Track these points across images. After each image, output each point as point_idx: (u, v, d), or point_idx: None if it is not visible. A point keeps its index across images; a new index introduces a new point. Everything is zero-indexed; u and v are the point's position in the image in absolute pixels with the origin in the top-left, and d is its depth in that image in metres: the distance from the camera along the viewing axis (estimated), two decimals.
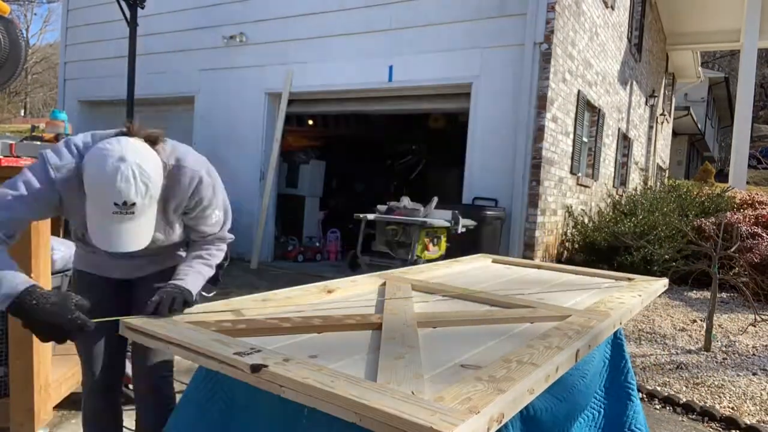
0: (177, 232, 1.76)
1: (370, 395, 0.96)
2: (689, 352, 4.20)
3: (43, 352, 2.13)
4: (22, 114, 29.70)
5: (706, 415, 3.11)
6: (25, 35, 2.72)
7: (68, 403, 2.62)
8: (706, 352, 4.18)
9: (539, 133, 5.89)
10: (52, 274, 2.24)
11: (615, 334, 1.94)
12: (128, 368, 2.77)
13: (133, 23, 5.89)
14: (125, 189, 1.35)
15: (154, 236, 1.58)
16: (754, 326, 4.78)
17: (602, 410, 1.81)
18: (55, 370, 2.29)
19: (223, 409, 1.33)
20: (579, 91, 6.96)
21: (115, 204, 1.36)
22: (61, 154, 1.49)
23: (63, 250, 2.41)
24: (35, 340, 2.08)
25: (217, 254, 1.79)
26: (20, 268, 1.36)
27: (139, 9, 5.88)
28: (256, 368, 1.07)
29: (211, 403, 1.34)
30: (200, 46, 8.15)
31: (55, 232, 2.60)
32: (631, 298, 2.00)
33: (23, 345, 2.08)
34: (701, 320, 5.06)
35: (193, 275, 1.64)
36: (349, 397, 0.95)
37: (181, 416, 1.42)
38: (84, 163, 1.41)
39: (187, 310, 1.48)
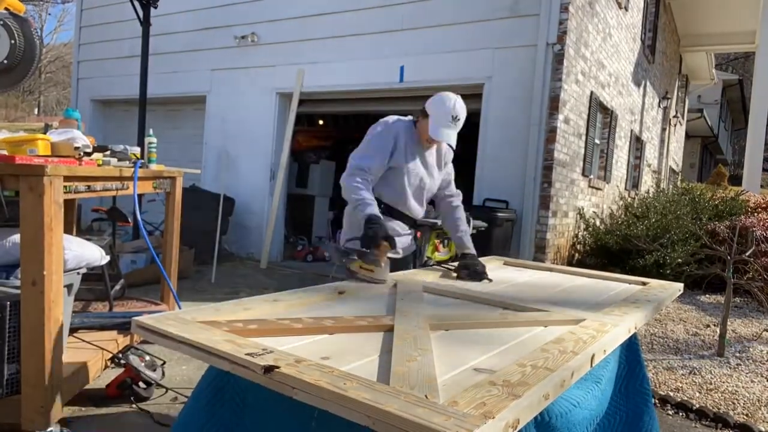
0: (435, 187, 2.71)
1: (384, 398, 0.95)
2: (702, 357, 4.15)
3: (55, 349, 2.14)
4: (36, 113, 30.00)
5: (720, 421, 3.06)
6: (39, 34, 2.74)
7: (79, 400, 2.64)
8: (719, 358, 4.13)
9: (551, 134, 5.85)
10: (65, 272, 2.25)
11: (630, 338, 1.91)
12: (139, 366, 2.78)
13: (146, 23, 5.93)
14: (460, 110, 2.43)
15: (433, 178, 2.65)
16: None
17: (621, 416, 1.79)
18: (67, 367, 2.30)
19: (234, 410, 1.32)
20: (592, 93, 6.91)
21: (452, 117, 2.40)
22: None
23: (75, 249, 2.42)
24: (47, 337, 2.10)
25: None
26: (32, 265, 1.36)
27: (152, 8, 5.91)
28: (268, 369, 1.06)
29: (221, 404, 1.34)
30: (212, 46, 8.18)
31: (68, 230, 2.61)
32: (646, 302, 1.97)
33: (35, 342, 2.09)
34: (714, 325, 5.00)
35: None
36: (362, 400, 0.94)
37: (189, 417, 1.41)
38: (429, 101, 2.48)
39: (199, 309, 1.47)
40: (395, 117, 2.53)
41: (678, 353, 4.22)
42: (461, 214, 2.70)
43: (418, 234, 2.72)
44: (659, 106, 12.00)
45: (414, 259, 2.78)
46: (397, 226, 2.56)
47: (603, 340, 1.43)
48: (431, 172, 2.62)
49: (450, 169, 2.78)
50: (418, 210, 2.64)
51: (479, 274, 2.28)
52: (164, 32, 8.04)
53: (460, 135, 2.50)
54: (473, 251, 2.50)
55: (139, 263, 5.68)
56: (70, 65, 12.33)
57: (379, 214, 2.21)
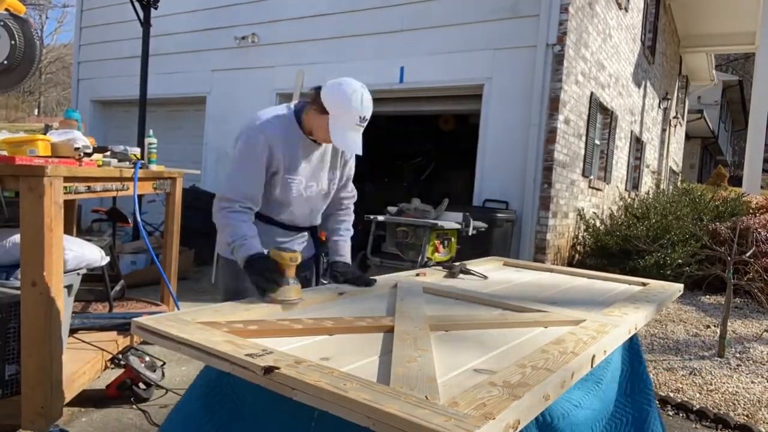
0: (331, 193, 2.20)
1: (384, 399, 0.94)
2: (703, 358, 4.15)
3: (55, 349, 2.14)
4: (36, 113, 30.02)
5: (720, 422, 3.06)
6: (39, 35, 2.74)
7: (79, 401, 2.63)
8: (719, 358, 4.12)
9: (551, 135, 5.85)
10: (65, 272, 2.25)
11: (631, 339, 1.91)
12: (139, 367, 2.78)
13: (146, 24, 5.93)
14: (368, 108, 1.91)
15: (324, 183, 2.13)
16: None
17: (627, 418, 1.79)
18: (67, 368, 2.30)
19: (232, 411, 1.32)
20: (592, 93, 6.91)
21: (360, 118, 1.88)
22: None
23: (75, 249, 2.42)
24: (47, 337, 2.09)
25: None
26: (32, 265, 1.36)
27: (152, 9, 5.91)
28: (268, 370, 1.06)
29: (220, 405, 1.34)
30: (212, 47, 8.19)
31: (68, 231, 2.61)
32: (646, 303, 1.97)
33: (35, 343, 2.09)
34: (715, 326, 4.99)
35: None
36: (363, 401, 0.94)
37: (184, 417, 1.40)
38: (327, 92, 1.88)
39: (199, 310, 1.47)
40: (265, 116, 1.96)
41: (678, 354, 4.22)
42: (348, 217, 2.28)
43: (322, 235, 2.27)
44: (659, 106, 12.00)
45: (316, 265, 2.30)
46: (280, 237, 2.11)
47: (603, 341, 1.42)
48: (322, 177, 2.11)
49: (351, 165, 2.27)
50: (307, 217, 2.17)
51: (360, 279, 1.99)
52: (164, 33, 8.04)
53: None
54: (347, 259, 2.15)
55: (139, 264, 5.68)
56: (71, 66, 12.34)
57: (260, 249, 1.82)
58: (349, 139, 1.89)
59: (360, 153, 1.95)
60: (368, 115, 1.90)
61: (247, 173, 1.94)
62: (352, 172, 2.29)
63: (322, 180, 2.11)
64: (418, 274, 2.30)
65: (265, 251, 1.80)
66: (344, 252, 2.16)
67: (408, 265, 4.46)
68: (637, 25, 9.09)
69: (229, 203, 1.94)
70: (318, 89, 1.92)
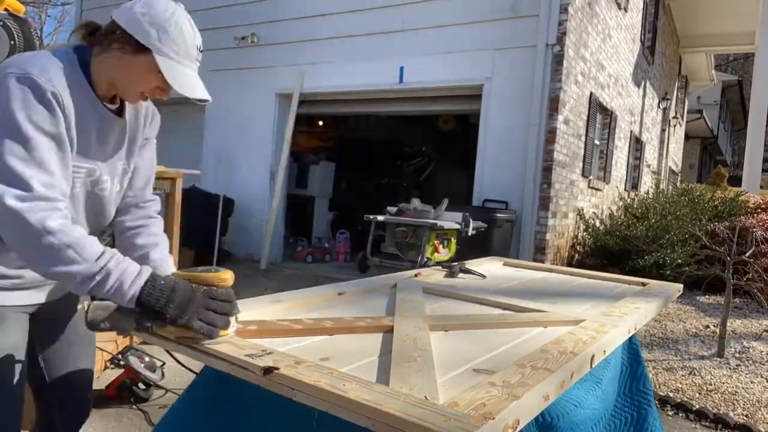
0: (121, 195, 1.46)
1: (383, 399, 0.94)
2: (702, 358, 4.15)
3: None
4: None
5: (720, 422, 3.06)
6: (39, 35, 2.74)
7: None
8: (719, 358, 4.13)
9: (551, 135, 5.85)
10: None
11: (630, 339, 1.91)
12: (139, 367, 2.78)
13: None
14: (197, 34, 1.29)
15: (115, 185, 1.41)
16: None
17: (626, 417, 1.79)
18: None
19: (234, 409, 1.32)
20: (591, 94, 6.91)
21: (198, 49, 1.30)
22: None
23: None
24: None
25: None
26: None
27: None
28: (267, 371, 1.06)
29: (225, 403, 1.33)
30: (211, 47, 8.18)
31: None
32: (646, 303, 1.97)
33: None
34: (714, 326, 5.00)
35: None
36: (362, 401, 0.94)
37: (187, 414, 1.39)
38: (139, 17, 1.22)
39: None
40: (40, 61, 1.19)
41: (678, 354, 4.22)
42: (161, 229, 1.52)
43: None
44: (659, 106, 12.01)
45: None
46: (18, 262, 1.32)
47: (603, 341, 1.42)
48: (117, 167, 1.40)
49: (152, 150, 1.53)
50: (90, 230, 1.41)
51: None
52: None
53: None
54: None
55: None
56: None
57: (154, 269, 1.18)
58: (197, 85, 1.33)
59: (210, 99, 1.37)
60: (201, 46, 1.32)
61: (52, 152, 1.16)
62: (154, 164, 1.55)
63: (116, 172, 1.40)
64: (416, 275, 2.30)
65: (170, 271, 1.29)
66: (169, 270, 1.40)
67: (408, 265, 4.47)
68: (637, 25, 9.10)
69: (47, 203, 1.11)
70: (105, 23, 1.31)
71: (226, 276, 1.19)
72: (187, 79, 1.29)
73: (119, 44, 1.25)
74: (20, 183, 1.09)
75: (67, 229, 1.11)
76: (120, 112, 1.37)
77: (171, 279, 1.16)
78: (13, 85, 1.12)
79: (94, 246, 1.13)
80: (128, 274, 1.13)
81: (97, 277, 1.11)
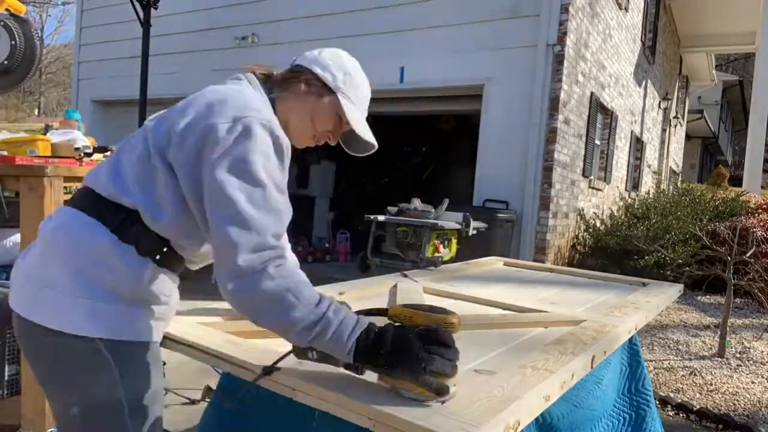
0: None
1: (384, 400, 0.94)
2: (703, 358, 4.15)
3: None
4: (36, 113, 30.04)
5: (721, 422, 3.06)
6: (40, 35, 2.74)
7: None
8: (720, 359, 4.12)
9: (551, 135, 5.85)
10: None
11: (630, 339, 1.91)
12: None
13: (146, 24, 5.92)
14: None
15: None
16: None
17: (625, 417, 1.79)
18: None
19: (238, 409, 1.32)
20: (592, 94, 6.91)
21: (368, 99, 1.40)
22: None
23: None
24: None
25: None
26: None
27: (152, 10, 5.91)
28: (268, 370, 1.06)
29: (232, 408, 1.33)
30: (212, 47, 8.19)
31: None
32: (646, 303, 1.97)
33: None
34: (715, 326, 4.99)
35: None
36: (363, 402, 0.94)
37: (221, 412, 1.39)
38: (328, 61, 1.33)
39: (199, 310, 1.47)
40: (257, 102, 1.23)
41: (678, 354, 4.22)
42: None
43: None
44: (659, 107, 12.01)
45: None
46: (168, 288, 1.25)
47: (603, 341, 1.42)
48: None
49: None
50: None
51: None
52: (165, 33, 8.04)
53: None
54: None
55: None
56: (71, 66, 12.34)
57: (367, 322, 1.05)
58: (369, 132, 1.35)
59: (376, 147, 1.39)
60: None
61: (285, 196, 1.19)
62: None
63: None
64: (405, 275, 2.27)
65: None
66: None
67: (408, 265, 4.46)
68: (638, 25, 9.10)
69: (276, 253, 1.08)
70: (294, 65, 1.36)
71: (454, 321, 1.02)
72: (364, 124, 1.33)
73: (306, 86, 1.29)
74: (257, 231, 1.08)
75: (286, 272, 1.04)
76: None
77: (384, 329, 1.02)
78: (259, 131, 1.12)
79: (312, 290, 1.04)
80: (346, 325, 1.00)
81: (317, 327, 0.99)
